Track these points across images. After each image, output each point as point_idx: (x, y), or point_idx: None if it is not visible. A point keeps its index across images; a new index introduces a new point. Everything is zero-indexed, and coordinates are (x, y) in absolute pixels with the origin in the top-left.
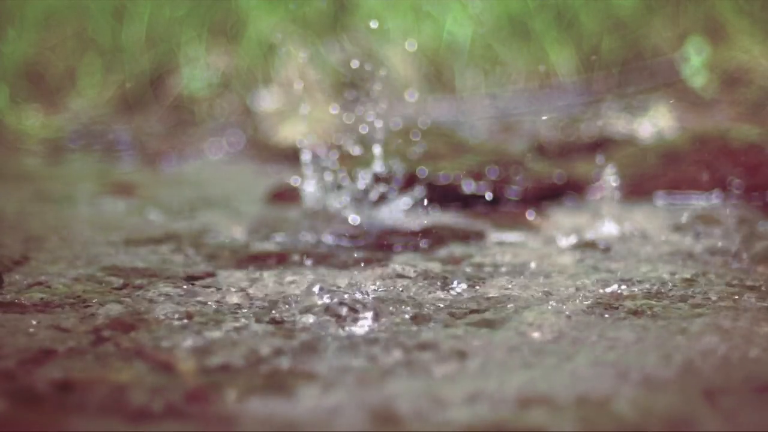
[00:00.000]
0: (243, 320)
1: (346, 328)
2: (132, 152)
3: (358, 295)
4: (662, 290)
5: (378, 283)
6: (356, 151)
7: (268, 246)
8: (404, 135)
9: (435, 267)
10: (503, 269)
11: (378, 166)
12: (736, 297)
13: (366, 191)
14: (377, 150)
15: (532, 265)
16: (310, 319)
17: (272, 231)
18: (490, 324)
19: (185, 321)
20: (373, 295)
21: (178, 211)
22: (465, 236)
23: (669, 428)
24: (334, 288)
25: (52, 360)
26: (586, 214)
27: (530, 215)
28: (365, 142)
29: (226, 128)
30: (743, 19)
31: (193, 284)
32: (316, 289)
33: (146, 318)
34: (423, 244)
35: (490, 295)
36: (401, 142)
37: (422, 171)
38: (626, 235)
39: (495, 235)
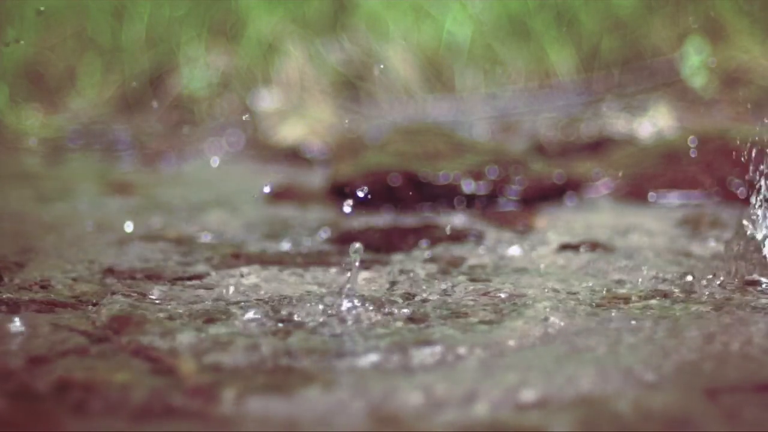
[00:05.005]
0: (243, 320)
1: (346, 328)
2: (132, 152)
3: (358, 295)
4: (662, 290)
5: (377, 283)
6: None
7: (268, 245)
8: (405, 134)
9: (434, 267)
10: (503, 269)
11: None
12: (736, 296)
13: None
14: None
15: (532, 265)
16: (310, 318)
17: (272, 230)
18: (489, 324)
19: (185, 321)
20: (372, 295)
21: (177, 211)
22: (464, 236)
23: (669, 428)
24: (334, 287)
25: (52, 360)
26: (586, 214)
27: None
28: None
29: (226, 128)
30: (743, 19)
31: (192, 284)
32: (315, 288)
33: (146, 318)
34: (422, 243)
35: (490, 295)
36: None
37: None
38: (626, 235)
39: (494, 235)
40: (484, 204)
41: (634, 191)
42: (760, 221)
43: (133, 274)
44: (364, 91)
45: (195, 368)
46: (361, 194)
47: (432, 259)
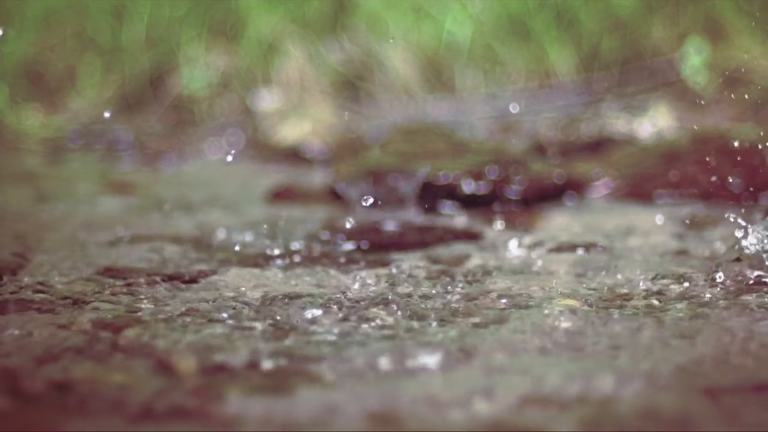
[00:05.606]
0: (243, 320)
1: (346, 328)
2: (132, 152)
3: (358, 295)
4: (662, 290)
5: (378, 283)
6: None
7: (268, 245)
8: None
9: (435, 267)
10: (503, 269)
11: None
12: (735, 296)
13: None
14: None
15: (532, 265)
16: (310, 318)
17: (272, 231)
18: (490, 324)
19: (185, 321)
20: (373, 295)
21: (177, 210)
22: (465, 236)
23: (670, 428)
24: (334, 287)
25: (52, 360)
26: (586, 214)
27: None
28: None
29: (226, 128)
30: (743, 19)
31: (192, 284)
32: (316, 288)
33: (146, 318)
34: (423, 243)
35: (491, 295)
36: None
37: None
38: (626, 235)
39: (494, 235)
40: (484, 204)
41: (634, 191)
42: (760, 221)
43: (133, 274)
44: (364, 91)
45: (195, 368)
46: (367, 203)
47: (432, 259)
